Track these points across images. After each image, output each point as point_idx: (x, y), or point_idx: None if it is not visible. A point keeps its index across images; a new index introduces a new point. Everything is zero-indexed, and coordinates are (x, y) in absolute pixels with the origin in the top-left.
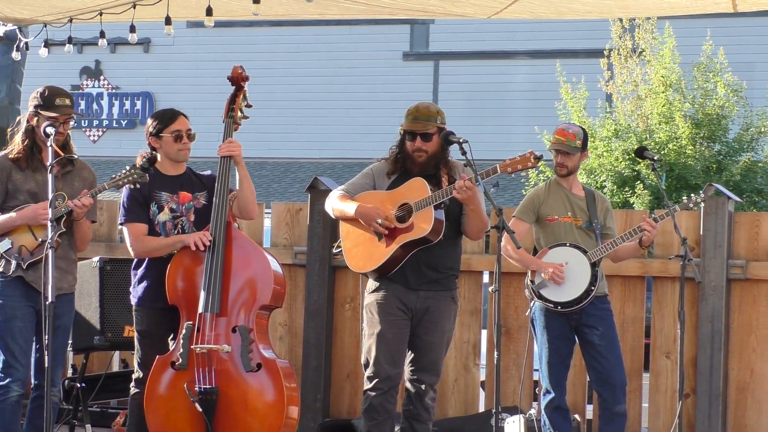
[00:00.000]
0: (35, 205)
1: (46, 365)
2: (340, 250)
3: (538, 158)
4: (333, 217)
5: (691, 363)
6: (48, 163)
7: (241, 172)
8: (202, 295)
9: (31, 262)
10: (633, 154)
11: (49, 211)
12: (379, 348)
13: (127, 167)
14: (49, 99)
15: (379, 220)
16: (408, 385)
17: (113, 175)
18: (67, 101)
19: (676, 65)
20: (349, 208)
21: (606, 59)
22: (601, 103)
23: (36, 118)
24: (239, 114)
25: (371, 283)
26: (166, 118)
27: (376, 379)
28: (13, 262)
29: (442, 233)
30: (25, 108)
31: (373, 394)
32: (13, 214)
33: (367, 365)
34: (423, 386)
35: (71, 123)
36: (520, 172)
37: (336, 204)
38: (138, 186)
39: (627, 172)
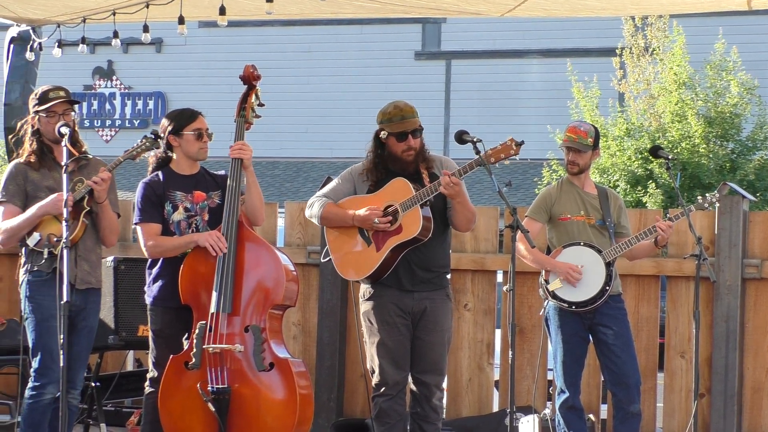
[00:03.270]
0: (55, 195)
1: (62, 365)
2: (329, 258)
3: (519, 144)
4: (318, 224)
5: (706, 362)
6: (63, 163)
7: (250, 178)
8: (214, 294)
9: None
10: (646, 153)
11: (65, 211)
12: (382, 356)
13: (139, 140)
14: (43, 96)
15: (376, 220)
16: (413, 387)
17: (126, 149)
18: (61, 93)
19: (687, 64)
20: (346, 217)
21: (618, 58)
22: (613, 102)
23: (37, 118)
24: (251, 113)
25: (365, 289)
26: (187, 116)
27: (384, 386)
28: (46, 252)
29: (431, 231)
30: None
31: (382, 399)
32: (34, 207)
33: (372, 372)
34: (428, 388)
35: (72, 114)
36: (504, 161)
37: (327, 213)
38: (152, 153)
39: (640, 172)
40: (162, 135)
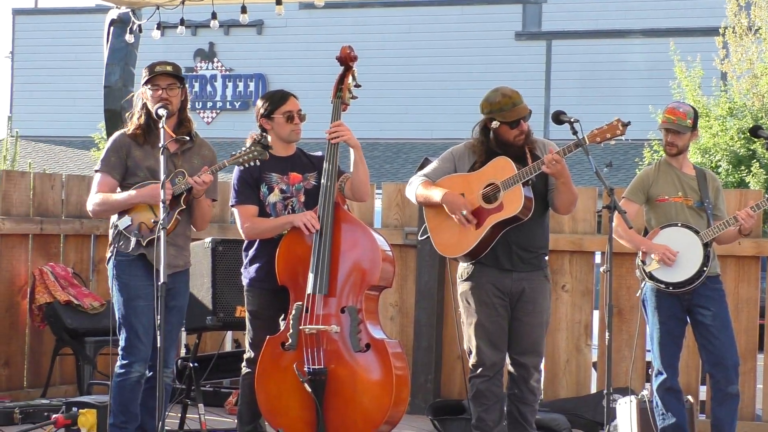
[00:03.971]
0: (155, 185)
1: (158, 345)
2: (427, 236)
3: (626, 125)
4: (415, 203)
5: None
6: (160, 144)
7: (356, 154)
8: (311, 276)
9: (150, 239)
10: (748, 133)
11: (161, 192)
12: (480, 337)
13: (248, 144)
14: (150, 68)
15: (464, 212)
16: (511, 368)
17: (233, 152)
18: (168, 67)
19: None
20: (435, 194)
21: (721, 37)
22: (715, 81)
23: (145, 91)
24: (348, 94)
25: (463, 269)
26: (277, 98)
27: (481, 367)
28: (133, 240)
29: (531, 211)
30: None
31: (479, 380)
32: (132, 192)
33: (470, 353)
34: (527, 369)
35: (178, 90)
36: (609, 141)
37: (420, 190)
38: (258, 163)
39: (742, 152)
40: (268, 141)
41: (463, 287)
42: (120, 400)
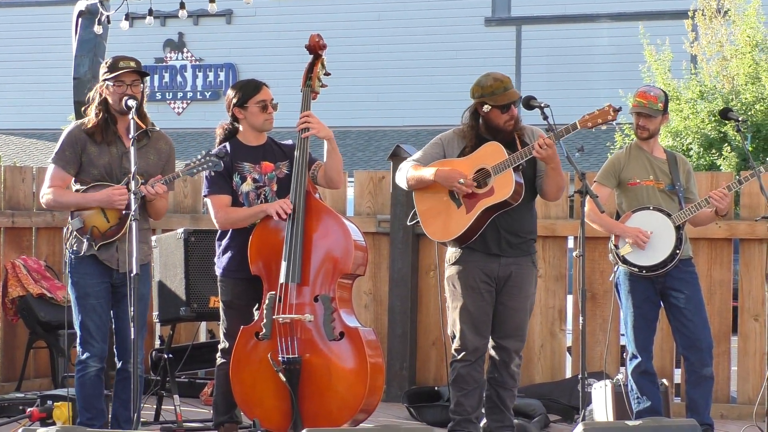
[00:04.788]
0: (110, 189)
1: (132, 337)
2: (417, 221)
3: (617, 110)
4: (406, 187)
5: None
6: (130, 136)
7: (329, 145)
8: (283, 265)
9: (102, 244)
10: (718, 116)
11: (132, 183)
12: (464, 321)
13: (202, 153)
14: (113, 64)
15: (461, 180)
16: (492, 352)
17: (188, 162)
18: (131, 63)
19: (761, 25)
20: (427, 172)
21: (690, 20)
22: (685, 64)
23: (105, 86)
24: (317, 83)
25: (451, 253)
26: (251, 88)
27: (464, 352)
28: (85, 243)
29: (521, 196)
30: None
31: (461, 365)
32: (87, 195)
33: (453, 337)
34: (508, 353)
35: (141, 86)
36: (600, 126)
37: (411, 173)
38: (213, 174)
39: (713, 134)
40: (224, 151)
41: (450, 271)
42: (82, 395)
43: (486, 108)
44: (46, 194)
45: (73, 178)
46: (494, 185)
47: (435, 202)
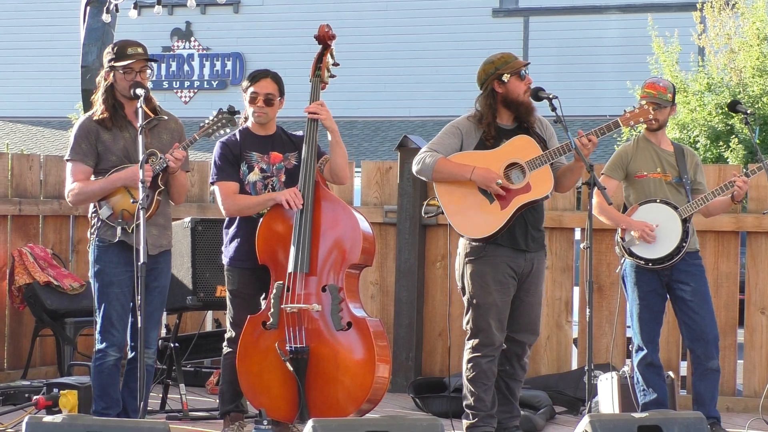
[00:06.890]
0: (133, 167)
1: (140, 326)
2: (440, 211)
3: (655, 109)
4: (428, 179)
5: None
6: (138, 125)
7: (333, 138)
8: (292, 254)
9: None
10: (726, 109)
11: (140, 172)
12: (493, 317)
13: (214, 113)
14: (120, 50)
15: (500, 181)
16: (504, 345)
17: (201, 124)
18: (140, 50)
19: None
20: (463, 171)
21: (698, 12)
22: (693, 56)
23: (112, 74)
24: (326, 73)
25: (471, 246)
26: (250, 78)
27: (489, 347)
28: (118, 229)
29: None
30: None
31: (485, 360)
32: (111, 176)
33: (478, 332)
34: (522, 347)
35: (148, 72)
36: (640, 125)
37: (441, 167)
38: (227, 131)
39: (720, 127)
40: (235, 109)
41: (475, 265)
42: (99, 383)
43: (506, 77)
44: (71, 191)
45: (93, 174)
46: (531, 181)
47: (463, 195)
